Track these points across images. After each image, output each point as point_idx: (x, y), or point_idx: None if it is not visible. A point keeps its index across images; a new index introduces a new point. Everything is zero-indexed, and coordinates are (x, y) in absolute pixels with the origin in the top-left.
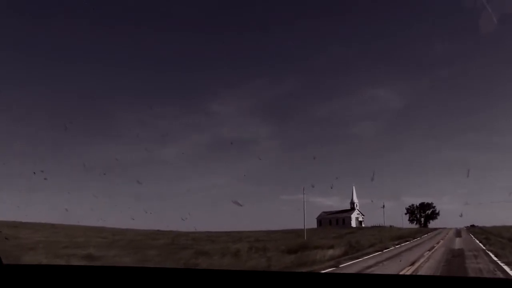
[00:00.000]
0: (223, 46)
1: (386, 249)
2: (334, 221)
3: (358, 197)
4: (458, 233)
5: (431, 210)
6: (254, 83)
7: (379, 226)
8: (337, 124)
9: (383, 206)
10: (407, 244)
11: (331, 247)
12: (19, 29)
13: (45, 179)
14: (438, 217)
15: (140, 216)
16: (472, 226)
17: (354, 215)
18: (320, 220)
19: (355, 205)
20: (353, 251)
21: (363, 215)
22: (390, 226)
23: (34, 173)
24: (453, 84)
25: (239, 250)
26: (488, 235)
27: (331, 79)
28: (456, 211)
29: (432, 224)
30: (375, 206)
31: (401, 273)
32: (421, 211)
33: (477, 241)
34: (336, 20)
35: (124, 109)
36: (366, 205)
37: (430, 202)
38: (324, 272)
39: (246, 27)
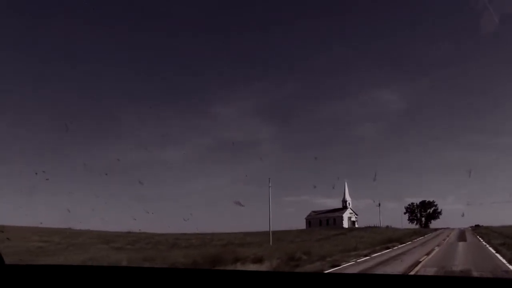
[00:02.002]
0: (224, 47)
1: (337, 267)
2: (325, 221)
3: (360, 197)
4: (461, 235)
5: (432, 209)
6: (255, 85)
7: (374, 227)
8: (338, 125)
9: (379, 205)
10: (382, 254)
11: (260, 260)
12: (19, 30)
13: (47, 179)
14: (440, 216)
15: (142, 217)
16: (477, 226)
17: (346, 215)
18: (309, 221)
19: (348, 204)
20: (286, 267)
21: (357, 215)
22: (387, 226)
23: (36, 173)
24: (454, 84)
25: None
26: (503, 238)
27: (332, 80)
28: (459, 211)
29: (433, 224)
30: (375, 206)
31: None
32: (422, 210)
33: (492, 250)
34: (336, 21)
35: (126, 111)
36: (367, 206)
37: (431, 200)
38: (325, 272)
39: (247, 28)
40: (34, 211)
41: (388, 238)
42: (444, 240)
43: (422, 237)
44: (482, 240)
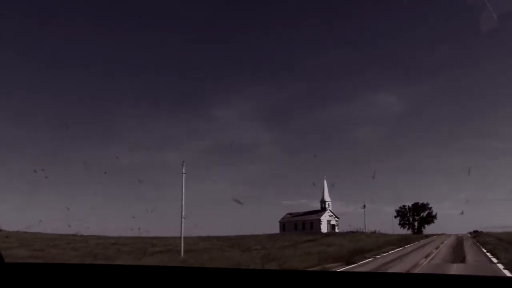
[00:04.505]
0: (223, 50)
1: None
2: (300, 224)
3: (360, 201)
4: (458, 246)
5: (426, 212)
6: (255, 87)
7: (356, 232)
8: (338, 128)
9: (364, 207)
10: None
11: None
12: (19, 31)
13: (46, 177)
14: (435, 220)
15: (142, 217)
16: (476, 232)
17: (325, 218)
18: (283, 224)
19: (327, 205)
20: None
21: (338, 218)
22: (374, 231)
23: (35, 171)
24: (453, 86)
25: None
26: None
27: (331, 83)
28: (457, 215)
29: (428, 229)
30: (373, 210)
31: None
32: (414, 213)
33: None
34: (335, 24)
35: (126, 112)
36: (366, 210)
37: (425, 202)
38: (326, 271)
39: (247, 31)
40: (34, 210)
41: (357, 248)
42: (427, 256)
43: (401, 249)
44: (495, 261)
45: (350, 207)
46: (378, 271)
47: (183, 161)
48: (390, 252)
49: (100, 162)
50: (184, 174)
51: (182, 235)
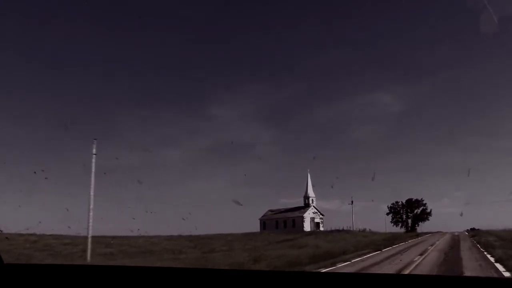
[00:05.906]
0: (223, 50)
1: None
2: (282, 222)
3: (359, 199)
4: (453, 250)
5: (420, 209)
6: (255, 87)
7: (343, 231)
8: (337, 128)
9: (352, 202)
10: None
11: None
12: (20, 31)
13: (46, 178)
14: (429, 218)
15: (142, 217)
16: (473, 229)
17: (308, 215)
18: (264, 222)
19: (311, 201)
20: None
21: (322, 215)
22: (363, 229)
23: (35, 172)
24: (452, 86)
25: None
26: None
27: (331, 83)
28: (455, 213)
29: (423, 227)
30: (371, 208)
31: None
32: (408, 210)
33: None
34: (335, 24)
35: (126, 113)
36: (363, 208)
37: (419, 198)
38: (325, 272)
39: (246, 31)
40: (33, 210)
41: (327, 252)
42: (402, 271)
43: (377, 253)
44: None
45: (346, 204)
46: (378, 272)
47: (94, 139)
48: (357, 259)
49: (100, 163)
50: (94, 155)
51: (90, 235)
